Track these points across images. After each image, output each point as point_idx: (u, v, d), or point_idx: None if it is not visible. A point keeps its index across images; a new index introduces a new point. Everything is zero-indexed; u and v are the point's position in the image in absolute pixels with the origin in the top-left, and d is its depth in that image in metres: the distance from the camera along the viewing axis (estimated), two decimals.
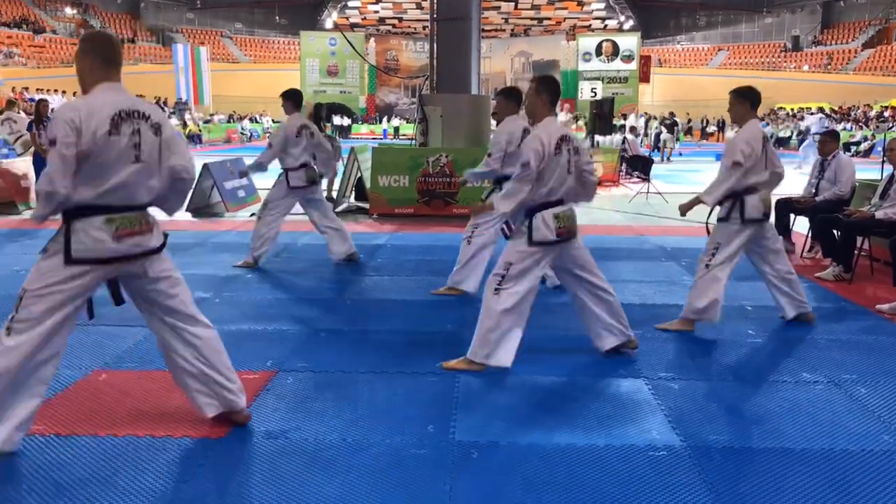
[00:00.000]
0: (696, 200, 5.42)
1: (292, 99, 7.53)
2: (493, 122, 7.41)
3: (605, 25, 46.97)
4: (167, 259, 3.49)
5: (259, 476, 3.23)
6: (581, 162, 4.69)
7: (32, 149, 11.19)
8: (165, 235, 3.49)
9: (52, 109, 11.82)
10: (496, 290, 4.48)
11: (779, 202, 8.53)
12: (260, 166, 7.66)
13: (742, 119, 5.34)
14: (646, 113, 28.27)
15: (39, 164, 10.86)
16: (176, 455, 3.40)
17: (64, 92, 32.07)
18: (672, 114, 28.70)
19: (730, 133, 30.71)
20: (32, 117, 11.43)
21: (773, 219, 5.56)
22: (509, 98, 6.28)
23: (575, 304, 4.89)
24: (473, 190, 10.77)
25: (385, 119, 43.43)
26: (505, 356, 4.50)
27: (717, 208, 5.44)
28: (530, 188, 4.40)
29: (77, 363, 4.58)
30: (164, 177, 3.40)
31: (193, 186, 11.32)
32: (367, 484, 3.17)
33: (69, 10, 45.52)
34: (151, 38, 49.97)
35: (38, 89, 30.67)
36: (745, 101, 5.31)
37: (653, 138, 25.87)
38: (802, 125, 29.37)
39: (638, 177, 15.90)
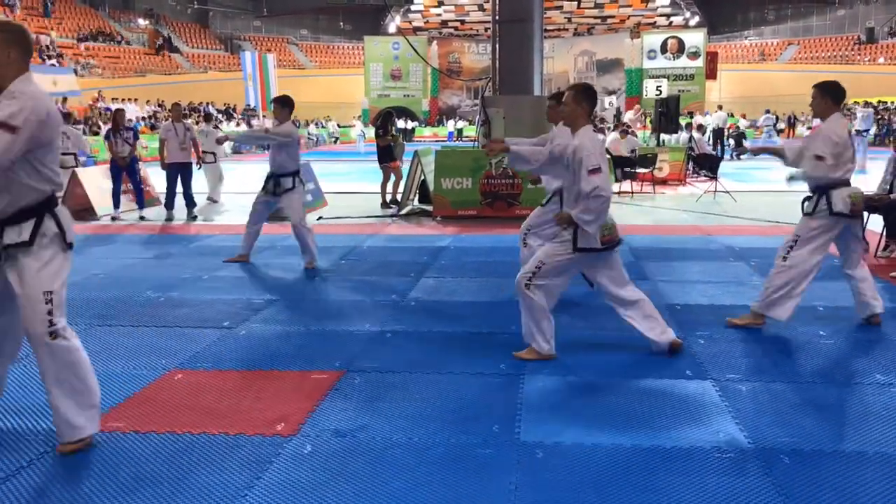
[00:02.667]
0: (778, 152, 5.59)
1: (286, 105, 7.75)
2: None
3: (671, 22, 46.16)
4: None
5: (328, 473, 3.31)
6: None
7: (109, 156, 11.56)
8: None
9: (129, 119, 12.11)
10: (526, 285, 4.70)
11: None
12: (244, 141, 7.86)
13: (825, 114, 5.27)
14: (720, 107, 27.50)
15: (116, 171, 11.25)
16: (248, 452, 3.51)
17: (136, 100, 33.11)
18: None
19: (801, 129, 29.91)
20: (110, 126, 11.81)
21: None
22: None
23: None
24: (536, 191, 10.75)
25: (450, 121, 43.60)
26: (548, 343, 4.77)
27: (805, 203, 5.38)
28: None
29: (154, 363, 4.75)
30: None
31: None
32: (432, 482, 3.22)
33: (142, 21, 46.94)
34: (220, 47, 51.17)
35: (113, 99, 31.72)
36: (828, 96, 5.24)
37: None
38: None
39: (705, 175, 15.64)
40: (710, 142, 23.23)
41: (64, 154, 13.11)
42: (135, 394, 4.24)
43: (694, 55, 40.57)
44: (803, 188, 5.42)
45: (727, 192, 13.28)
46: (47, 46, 35.91)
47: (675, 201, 13.21)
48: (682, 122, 22.04)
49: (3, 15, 36.79)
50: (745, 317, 5.46)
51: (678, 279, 7.11)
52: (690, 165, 16.89)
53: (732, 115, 30.13)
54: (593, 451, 3.49)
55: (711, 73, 37.79)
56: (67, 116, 15.24)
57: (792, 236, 5.34)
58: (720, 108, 27.32)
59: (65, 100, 27.67)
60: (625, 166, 15.02)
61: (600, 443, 3.58)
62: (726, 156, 23.28)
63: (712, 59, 38.37)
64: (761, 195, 13.85)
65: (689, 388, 4.33)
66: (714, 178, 14.18)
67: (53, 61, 34.06)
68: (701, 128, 20.75)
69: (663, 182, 15.90)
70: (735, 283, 6.84)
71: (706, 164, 15.74)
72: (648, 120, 26.68)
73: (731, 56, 49.12)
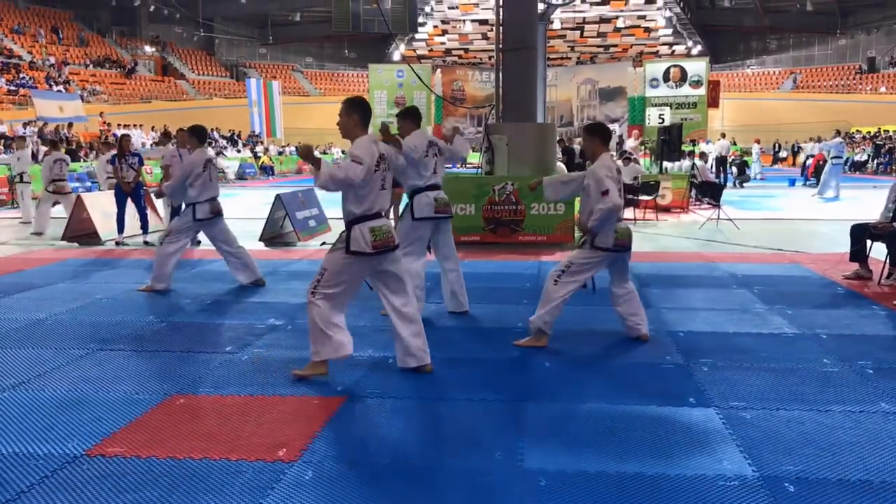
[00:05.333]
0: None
1: (197, 135, 7.94)
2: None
3: (673, 51, 46.49)
4: None
5: (329, 499, 3.29)
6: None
7: (114, 181, 11.59)
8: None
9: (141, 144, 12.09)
10: (312, 292, 4.81)
11: (855, 227, 8.32)
12: (173, 195, 8.04)
13: (598, 153, 5.60)
14: (723, 135, 27.55)
15: (121, 196, 11.29)
16: (250, 478, 3.49)
17: (141, 126, 33.29)
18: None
19: (801, 157, 29.94)
20: (115, 151, 11.85)
21: None
22: (405, 118, 6.67)
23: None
24: (539, 217, 10.78)
25: None
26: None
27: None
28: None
29: (156, 388, 4.74)
30: None
31: (266, 216, 11.56)
32: None
33: (149, 49, 47.38)
34: (225, 74, 51.59)
35: (119, 125, 31.90)
36: (597, 137, 5.62)
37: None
38: (817, 148, 26.18)
39: (708, 203, 15.65)
40: (713, 169, 23.28)
41: (59, 180, 13.22)
42: (136, 419, 4.23)
43: (696, 84, 40.75)
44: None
45: (730, 219, 13.29)
46: (56, 71, 36.23)
47: (677, 228, 13.23)
48: (685, 149, 22.07)
49: (14, 43, 37.15)
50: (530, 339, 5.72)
51: (681, 306, 7.09)
52: (693, 193, 16.92)
53: (735, 143, 30.22)
54: (597, 479, 3.46)
55: (714, 102, 37.99)
56: (56, 144, 15.19)
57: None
58: (723, 136, 27.40)
59: (70, 126, 27.80)
60: (628, 193, 15.05)
61: (603, 470, 3.55)
62: (729, 183, 23.33)
63: (714, 87, 38.59)
64: (764, 222, 13.85)
65: (693, 415, 4.30)
66: (717, 205, 14.19)
67: (60, 87, 34.34)
68: (703, 155, 20.77)
69: (666, 209, 15.93)
70: (739, 311, 6.83)
71: (709, 192, 15.76)
72: (648, 147, 26.76)
73: (734, 85, 49.42)
